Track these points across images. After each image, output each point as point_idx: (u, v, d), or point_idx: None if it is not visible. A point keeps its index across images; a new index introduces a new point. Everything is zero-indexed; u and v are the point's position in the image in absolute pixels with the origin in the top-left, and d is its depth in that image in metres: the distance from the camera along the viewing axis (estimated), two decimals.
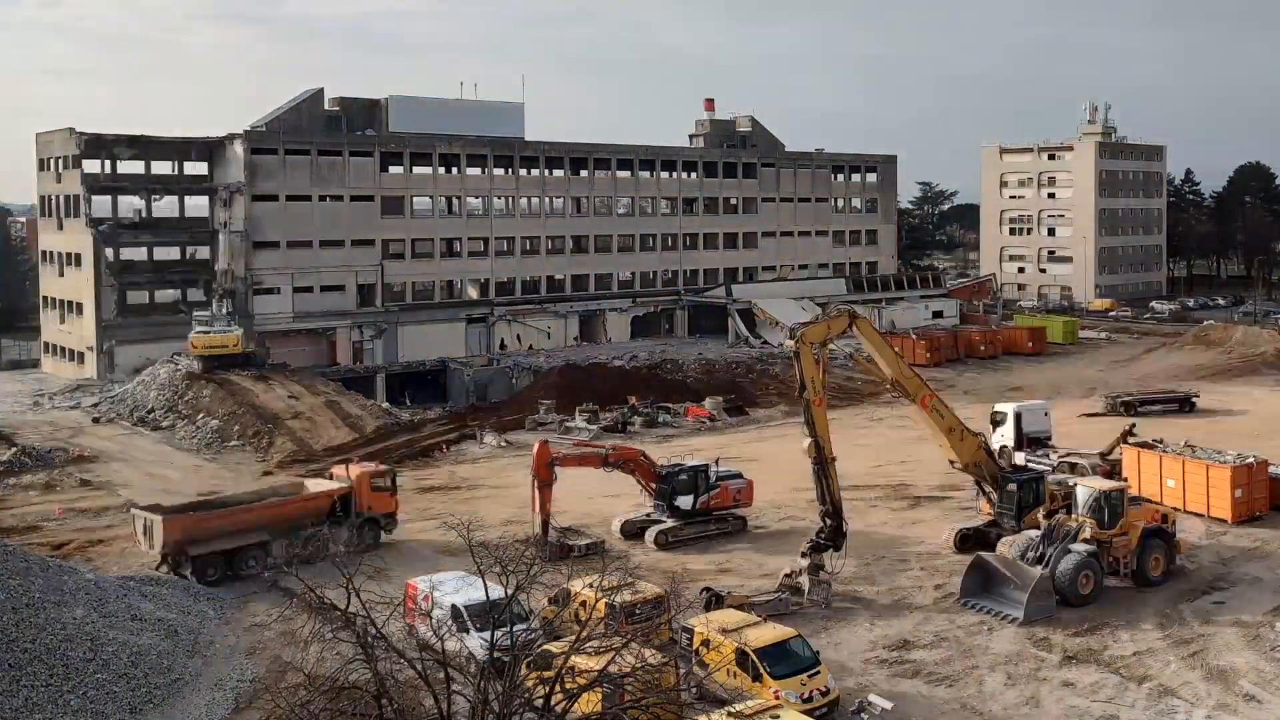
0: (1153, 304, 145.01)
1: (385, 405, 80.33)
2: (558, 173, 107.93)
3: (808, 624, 37.45)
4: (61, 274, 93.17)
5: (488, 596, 26.01)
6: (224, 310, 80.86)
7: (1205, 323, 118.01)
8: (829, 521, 40.81)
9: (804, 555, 40.27)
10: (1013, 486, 44.60)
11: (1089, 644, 35.53)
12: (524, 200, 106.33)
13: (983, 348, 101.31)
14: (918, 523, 49.65)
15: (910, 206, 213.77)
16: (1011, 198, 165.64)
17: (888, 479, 57.51)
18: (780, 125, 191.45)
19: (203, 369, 76.05)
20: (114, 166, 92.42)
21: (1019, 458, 55.56)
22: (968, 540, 44.80)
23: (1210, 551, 44.48)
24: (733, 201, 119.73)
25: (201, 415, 70.97)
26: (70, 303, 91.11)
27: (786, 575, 40.29)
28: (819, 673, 30.90)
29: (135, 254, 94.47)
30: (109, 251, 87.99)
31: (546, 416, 72.63)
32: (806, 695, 29.87)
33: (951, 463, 45.38)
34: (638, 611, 32.67)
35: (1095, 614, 37.76)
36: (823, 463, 40.40)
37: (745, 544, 46.96)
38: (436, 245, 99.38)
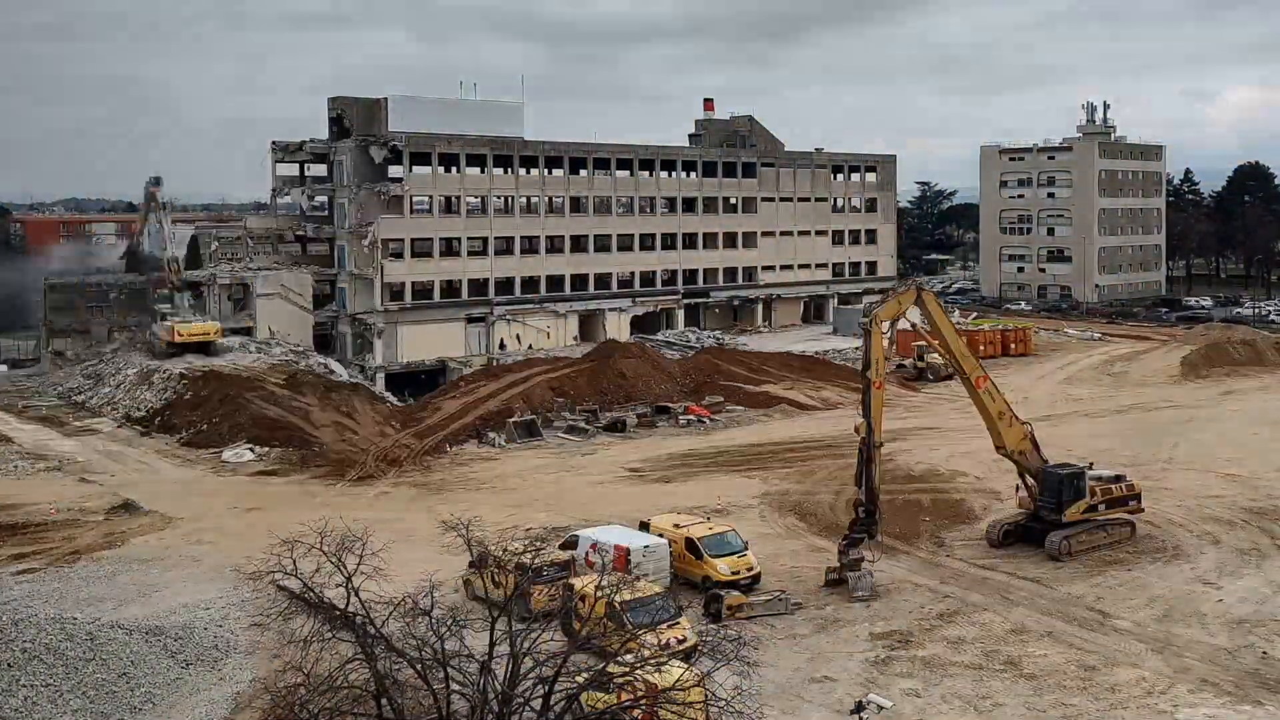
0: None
1: (390, 403, 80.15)
2: (557, 172, 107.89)
3: (807, 623, 37.52)
4: None
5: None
6: (187, 304, 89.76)
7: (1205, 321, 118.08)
8: (860, 512, 41.23)
9: (841, 553, 40.68)
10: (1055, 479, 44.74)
11: (1085, 642, 35.59)
12: (523, 200, 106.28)
13: (983, 348, 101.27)
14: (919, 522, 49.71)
15: (909, 206, 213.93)
16: (1011, 197, 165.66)
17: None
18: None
19: (168, 354, 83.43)
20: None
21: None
22: (1009, 535, 45.37)
23: None
24: (732, 201, 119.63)
25: (195, 414, 70.94)
26: None
27: (830, 571, 40.95)
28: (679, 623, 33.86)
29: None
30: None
31: (553, 416, 72.48)
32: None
33: (998, 448, 45.47)
34: (544, 573, 36.22)
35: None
36: (870, 445, 40.76)
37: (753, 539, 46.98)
38: (436, 245, 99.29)
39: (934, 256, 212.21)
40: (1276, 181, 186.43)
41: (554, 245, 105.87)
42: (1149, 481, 51.13)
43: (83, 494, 55.84)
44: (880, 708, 30.37)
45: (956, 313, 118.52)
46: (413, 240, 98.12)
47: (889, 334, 42.22)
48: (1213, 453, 62.42)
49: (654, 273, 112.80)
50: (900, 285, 45.04)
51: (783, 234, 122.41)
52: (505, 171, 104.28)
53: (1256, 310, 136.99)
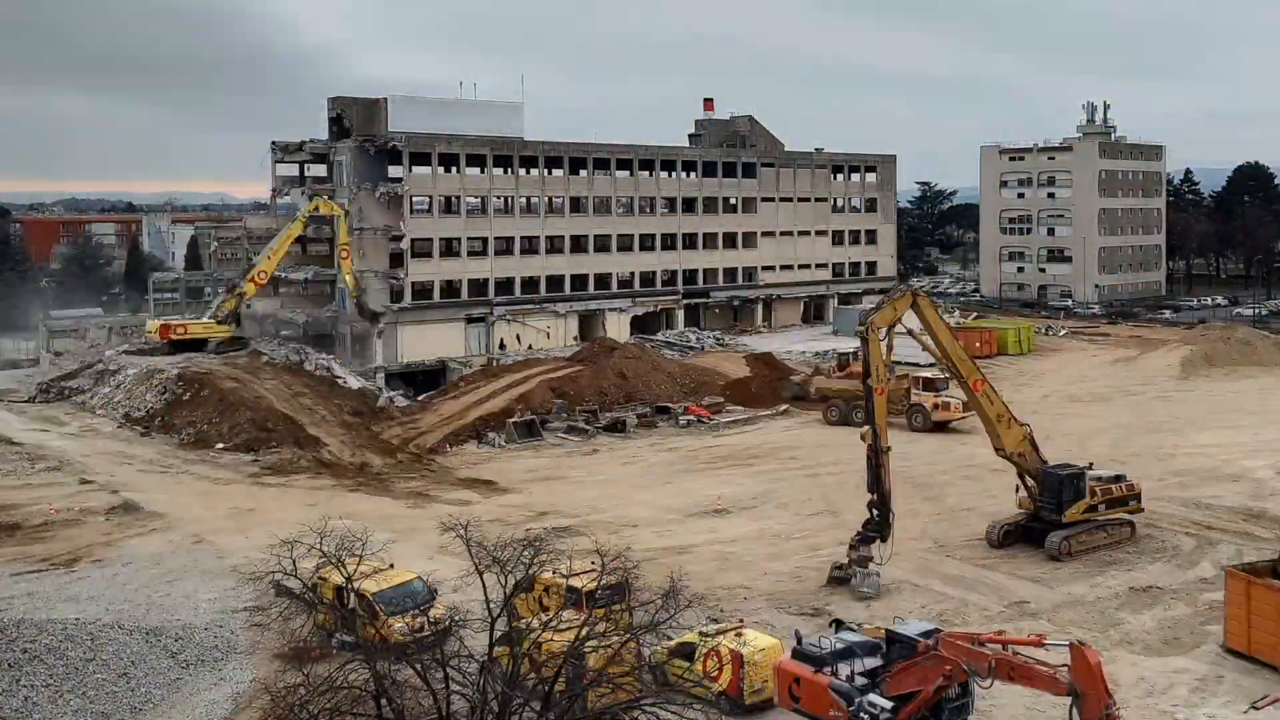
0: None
1: (388, 395, 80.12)
2: (557, 172, 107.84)
3: (807, 622, 37.48)
4: None
5: (486, 595, 25.98)
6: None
7: (1206, 321, 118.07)
8: (875, 513, 41.26)
9: (851, 548, 40.75)
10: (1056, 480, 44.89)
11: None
12: (523, 200, 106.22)
13: (978, 345, 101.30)
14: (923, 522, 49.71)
15: (909, 206, 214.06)
16: (1011, 197, 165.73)
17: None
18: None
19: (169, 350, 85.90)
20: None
21: None
22: (1009, 535, 45.42)
23: None
24: (732, 201, 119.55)
25: (195, 415, 70.93)
26: None
27: (835, 568, 40.78)
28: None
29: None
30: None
31: (553, 417, 72.48)
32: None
33: (997, 450, 45.55)
34: (598, 596, 31.07)
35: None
36: (877, 451, 40.83)
37: (754, 540, 46.98)
38: (436, 245, 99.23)
39: (929, 261, 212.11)
40: (1276, 181, 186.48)
41: (554, 245, 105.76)
42: (1149, 481, 51.13)
43: (83, 494, 55.81)
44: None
45: (956, 313, 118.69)
46: (412, 240, 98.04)
47: (886, 340, 42.77)
48: (1212, 452, 62.46)
49: (654, 273, 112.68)
50: (896, 290, 45.13)
51: (783, 234, 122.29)
52: (505, 171, 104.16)
53: (1256, 311, 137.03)
